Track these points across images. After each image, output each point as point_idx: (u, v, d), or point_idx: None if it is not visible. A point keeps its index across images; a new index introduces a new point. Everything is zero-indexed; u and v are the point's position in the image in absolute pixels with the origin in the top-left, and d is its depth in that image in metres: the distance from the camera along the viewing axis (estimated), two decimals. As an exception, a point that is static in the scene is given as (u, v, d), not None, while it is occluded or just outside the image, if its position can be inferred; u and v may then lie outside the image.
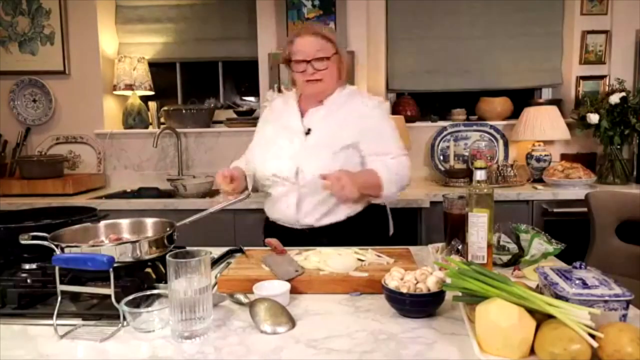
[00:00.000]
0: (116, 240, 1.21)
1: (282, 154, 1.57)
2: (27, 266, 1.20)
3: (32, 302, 1.03)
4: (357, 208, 1.58)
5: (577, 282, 0.82)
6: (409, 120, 2.88)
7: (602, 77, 2.90)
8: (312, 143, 1.55)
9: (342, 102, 1.61)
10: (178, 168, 2.94)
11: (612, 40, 2.86)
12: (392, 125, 1.63)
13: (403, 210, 2.30)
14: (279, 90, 2.57)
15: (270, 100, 1.77)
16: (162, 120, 3.07)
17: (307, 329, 0.91)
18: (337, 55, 1.58)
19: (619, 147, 2.62)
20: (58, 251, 1.05)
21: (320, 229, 1.56)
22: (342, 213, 1.56)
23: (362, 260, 1.21)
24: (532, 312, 0.77)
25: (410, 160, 1.62)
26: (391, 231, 1.75)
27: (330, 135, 1.55)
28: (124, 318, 0.92)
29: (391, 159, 1.56)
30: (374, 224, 1.66)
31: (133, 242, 1.08)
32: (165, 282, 0.96)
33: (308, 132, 1.58)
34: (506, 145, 2.92)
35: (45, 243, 1.07)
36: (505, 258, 1.24)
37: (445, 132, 2.95)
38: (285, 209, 1.57)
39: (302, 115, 1.62)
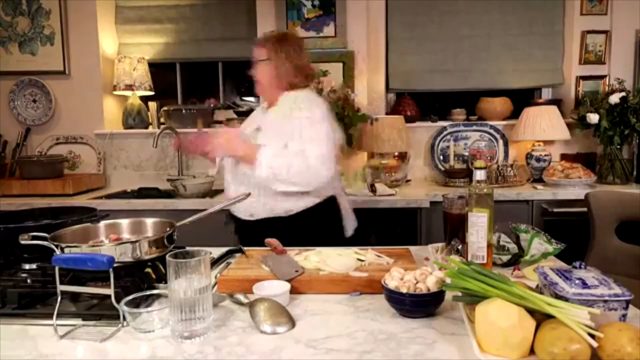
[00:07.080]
0: (116, 240, 1.21)
1: None
2: (27, 266, 1.20)
3: (32, 302, 1.03)
4: (299, 205, 1.63)
5: (577, 282, 0.82)
6: (409, 120, 2.88)
7: (602, 77, 2.90)
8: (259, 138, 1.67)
9: (279, 105, 1.71)
10: (178, 168, 2.94)
11: (612, 40, 2.86)
12: (318, 130, 1.58)
13: (403, 210, 2.31)
14: None
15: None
16: (162, 120, 3.07)
17: (306, 329, 0.91)
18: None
19: (618, 147, 2.62)
20: (58, 251, 1.05)
21: (260, 222, 1.64)
22: (280, 209, 1.63)
23: (362, 261, 1.21)
24: (532, 312, 0.77)
25: (326, 169, 1.54)
26: (349, 233, 1.76)
27: (271, 133, 1.65)
28: (124, 318, 0.92)
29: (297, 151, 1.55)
30: (324, 223, 1.67)
31: (133, 242, 1.08)
32: (165, 282, 0.96)
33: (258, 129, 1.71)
34: (506, 145, 2.92)
35: (45, 243, 1.07)
36: (505, 258, 1.24)
37: (445, 132, 2.95)
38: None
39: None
